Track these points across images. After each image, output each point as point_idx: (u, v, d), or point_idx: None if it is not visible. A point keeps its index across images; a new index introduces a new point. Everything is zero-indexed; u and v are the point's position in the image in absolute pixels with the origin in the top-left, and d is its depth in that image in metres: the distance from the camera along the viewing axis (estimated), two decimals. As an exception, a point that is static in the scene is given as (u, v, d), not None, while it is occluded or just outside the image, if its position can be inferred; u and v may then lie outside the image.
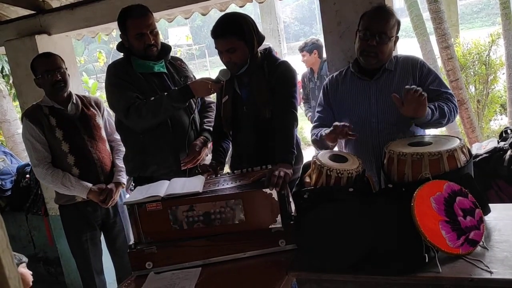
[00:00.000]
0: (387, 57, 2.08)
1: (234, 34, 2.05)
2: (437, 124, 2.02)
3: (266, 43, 2.26)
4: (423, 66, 2.10)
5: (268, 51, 2.23)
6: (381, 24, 2.00)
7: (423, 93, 1.81)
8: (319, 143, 2.14)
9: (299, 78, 5.10)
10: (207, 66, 21.68)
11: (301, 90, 5.10)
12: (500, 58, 5.64)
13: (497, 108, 5.92)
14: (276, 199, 1.76)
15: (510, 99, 5.28)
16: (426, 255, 1.48)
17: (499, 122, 6.14)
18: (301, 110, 5.40)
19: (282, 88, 2.12)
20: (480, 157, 2.40)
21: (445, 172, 1.65)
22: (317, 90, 4.72)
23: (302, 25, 30.79)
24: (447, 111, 1.94)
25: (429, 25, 5.00)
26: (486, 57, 5.62)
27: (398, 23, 2.06)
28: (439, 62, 4.97)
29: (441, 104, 1.96)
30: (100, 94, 6.70)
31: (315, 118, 2.28)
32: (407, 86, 1.84)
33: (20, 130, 4.97)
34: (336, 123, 1.96)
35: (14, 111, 5.60)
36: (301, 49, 4.99)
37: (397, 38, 2.10)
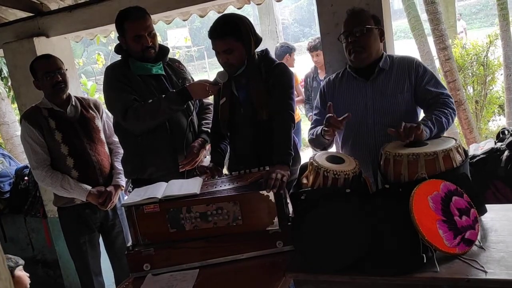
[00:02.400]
0: (376, 51, 2.10)
1: (232, 35, 2.05)
2: (436, 137, 2.01)
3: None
4: (418, 66, 2.10)
5: (265, 53, 2.24)
6: (353, 21, 2.09)
7: (418, 126, 1.80)
8: (316, 141, 2.15)
9: (302, 77, 5.03)
10: (206, 68, 21.68)
11: (302, 90, 4.97)
12: (498, 59, 5.65)
13: (495, 109, 5.93)
14: (273, 201, 1.76)
15: (508, 100, 5.29)
16: (424, 255, 1.48)
17: (497, 123, 6.15)
18: (301, 112, 5.37)
19: (279, 90, 2.13)
20: (478, 157, 2.41)
21: (441, 172, 1.65)
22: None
23: (302, 26, 30.85)
24: (445, 122, 1.94)
25: (427, 26, 5.01)
26: (484, 58, 5.63)
27: (373, 16, 2.12)
28: (437, 63, 4.98)
29: (439, 116, 1.94)
30: (99, 96, 6.69)
31: (312, 121, 2.29)
32: (403, 124, 1.82)
33: (18, 132, 4.98)
34: (328, 116, 1.99)
35: (12, 113, 5.60)
36: (315, 48, 4.56)
37: (381, 31, 2.13)
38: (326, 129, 2.00)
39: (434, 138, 1.88)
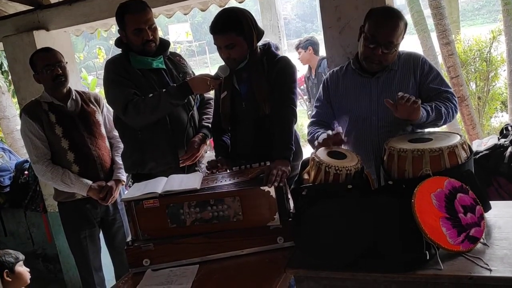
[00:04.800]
0: (391, 61, 2.04)
1: (233, 29, 2.03)
2: (433, 125, 1.99)
3: (265, 39, 2.24)
4: (424, 63, 2.06)
5: (268, 47, 2.21)
6: (389, 34, 1.91)
7: (415, 100, 1.78)
8: (314, 143, 2.12)
9: (300, 76, 5.15)
10: (207, 63, 21.65)
11: (302, 87, 5.14)
12: (501, 54, 5.62)
13: (497, 105, 5.90)
14: (274, 197, 1.74)
15: (511, 96, 5.26)
16: (427, 252, 1.47)
17: (500, 119, 6.13)
18: (301, 107, 5.42)
19: (281, 84, 2.11)
20: (481, 154, 2.39)
21: (446, 169, 1.63)
22: (315, 88, 4.70)
23: (303, 21, 30.80)
24: (444, 113, 1.92)
25: (430, 22, 4.99)
26: (487, 54, 5.60)
27: (406, 26, 1.98)
28: (440, 59, 4.95)
29: (439, 105, 1.92)
30: (100, 91, 6.67)
31: (313, 113, 2.26)
32: (400, 93, 1.80)
33: (19, 127, 4.95)
34: (329, 132, 1.94)
35: (13, 107, 5.59)
36: (297, 47, 5.03)
37: (402, 38, 2.04)
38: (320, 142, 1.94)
39: (439, 133, 1.86)
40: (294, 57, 5.05)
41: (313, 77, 4.85)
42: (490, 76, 5.64)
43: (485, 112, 5.73)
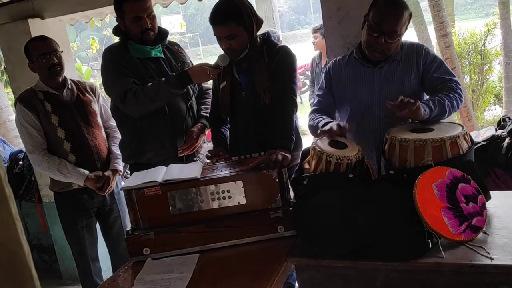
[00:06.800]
0: (394, 51, 2.03)
1: (234, 20, 2.00)
2: (438, 119, 1.99)
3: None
4: (427, 53, 2.05)
5: (267, 36, 2.20)
6: (393, 23, 1.91)
7: (414, 101, 1.77)
8: (315, 129, 2.11)
9: (308, 61, 5.04)
10: (200, 54, 21.55)
11: (308, 73, 5.05)
12: (496, 48, 5.65)
13: (491, 98, 5.94)
14: (277, 180, 1.76)
15: (506, 89, 5.30)
16: (429, 241, 1.47)
17: (493, 112, 6.18)
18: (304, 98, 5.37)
19: (281, 73, 2.10)
20: (478, 145, 2.40)
21: (448, 159, 1.64)
22: (321, 76, 4.66)
23: (297, 14, 30.72)
24: (447, 105, 1.89)
25: (426, 15, 5.00)
26: (481, 47, 5.63)
27: (410, 16, 1.98)
28: (436, 51, 4.97)
29: (442, 98, 1.90)
30: (94, 81, 6.63)
31: (315, 102, 2.24)
32: (400, 98, 1.78)
33: (12, 117, 4.90)
34: (333, 126, 1.91)
35: (6, 97, 5.52)
36: (315, 30, 4.85)
37: (406, 29, 2.03)
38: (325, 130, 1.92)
39: (440, 123, 1.86)
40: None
41: (323, 66, 4.80)
42: (484, 70, 5.67)
43: (479, 105, 5.76)
